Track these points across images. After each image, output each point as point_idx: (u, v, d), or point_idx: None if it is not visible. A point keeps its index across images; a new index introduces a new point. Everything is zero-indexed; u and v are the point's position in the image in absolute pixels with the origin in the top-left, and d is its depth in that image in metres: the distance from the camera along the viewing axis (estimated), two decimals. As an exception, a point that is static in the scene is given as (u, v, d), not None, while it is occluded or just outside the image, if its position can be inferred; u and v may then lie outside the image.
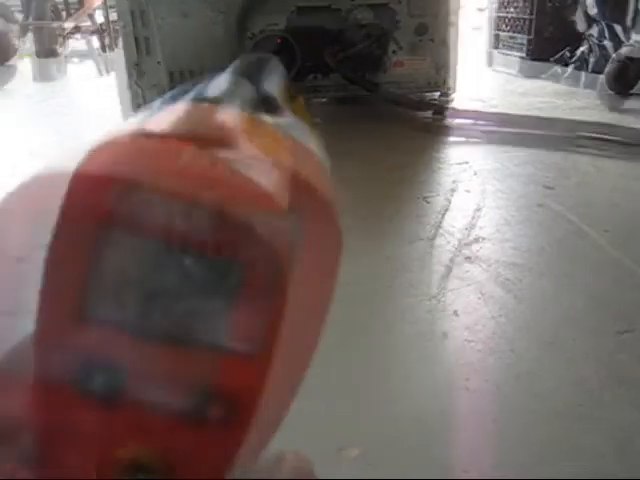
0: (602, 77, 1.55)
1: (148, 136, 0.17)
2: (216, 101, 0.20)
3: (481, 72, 2.50)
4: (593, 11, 1.74)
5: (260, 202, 0.16)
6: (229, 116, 0.19)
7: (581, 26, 1.86)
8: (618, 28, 1.70)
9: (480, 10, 4.11)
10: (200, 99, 0.21)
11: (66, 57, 3.28)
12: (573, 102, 1.50)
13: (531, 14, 2.20)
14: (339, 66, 1.40)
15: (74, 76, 3.37)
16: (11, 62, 2.83)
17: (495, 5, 2.60)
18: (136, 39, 1.34)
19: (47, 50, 3.05)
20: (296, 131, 0.21)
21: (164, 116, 0.19)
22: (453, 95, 1.52)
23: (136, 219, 0.16)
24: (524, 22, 2.29)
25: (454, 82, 1.52)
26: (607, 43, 1.75)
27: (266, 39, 1.40)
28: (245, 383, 0.17)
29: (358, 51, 1.42)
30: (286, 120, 0.22)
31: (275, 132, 0.20)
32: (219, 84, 0.23)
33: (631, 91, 1.53)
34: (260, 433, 0.18)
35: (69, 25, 3.23)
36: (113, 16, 2.69)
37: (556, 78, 1.94)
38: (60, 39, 3.17)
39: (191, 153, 0.16)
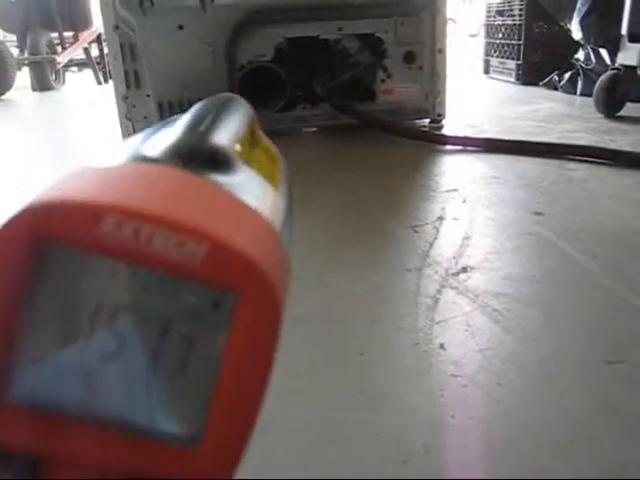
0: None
1: (67, 204, 0.16)
2: (155, 161, 0.20)
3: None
4: (578, 36, 1.75)
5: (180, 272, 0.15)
6: (163, 178, 0.18)
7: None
8: (604, 52, 1.71)
9: (472, 36, 4.17)
10: (139, 158, 0.20)
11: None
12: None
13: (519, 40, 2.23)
14: (329, 95, 1.40)
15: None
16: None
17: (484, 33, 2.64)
18: (126, 72, 1.35)
19: (43, 84, 3.08)
20: (245, 190, 0.20)
21: (96, 176, 0.18)
22: (443, 121, 1.53)
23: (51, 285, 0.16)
24: (513, 47, 2.32)
25: (444, 108, 1.53)
26: (594, 67, 1.77)
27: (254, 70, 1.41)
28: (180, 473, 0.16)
29: (346, 80, 1.43)
30: (235, 178, 0.21)
31: (215, 196, 0.18)
32: (164, 138, 0.22)
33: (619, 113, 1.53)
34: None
35: (64, 59, 3.27)
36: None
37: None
38: (56, 73, 3.21)
39: (112, 221, 0.15)
